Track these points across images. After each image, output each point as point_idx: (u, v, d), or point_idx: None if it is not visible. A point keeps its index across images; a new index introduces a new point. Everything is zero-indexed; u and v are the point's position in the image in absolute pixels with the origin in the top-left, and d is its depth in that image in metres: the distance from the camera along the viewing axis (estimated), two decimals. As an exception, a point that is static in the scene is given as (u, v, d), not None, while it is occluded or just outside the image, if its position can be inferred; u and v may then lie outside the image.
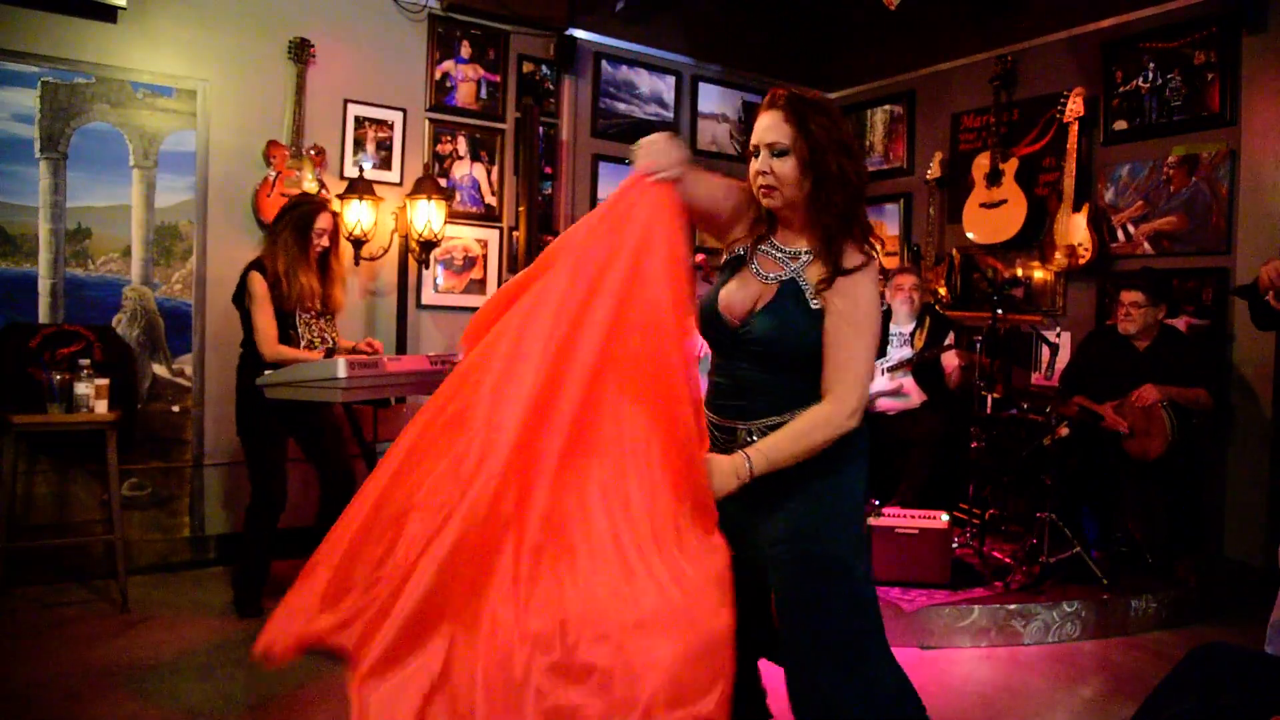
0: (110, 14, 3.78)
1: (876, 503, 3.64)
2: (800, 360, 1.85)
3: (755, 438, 1.86)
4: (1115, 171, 4.59)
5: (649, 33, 5.38)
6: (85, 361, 3.44)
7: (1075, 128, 4.53)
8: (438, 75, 4.70)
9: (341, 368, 2.87)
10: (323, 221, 3.46)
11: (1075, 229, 4.56)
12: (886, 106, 5.85)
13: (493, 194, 4.92)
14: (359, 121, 4.47)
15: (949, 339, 4.48)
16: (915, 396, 4.44)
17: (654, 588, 1.60)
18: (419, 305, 4.67)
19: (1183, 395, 3.76)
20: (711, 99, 5.74)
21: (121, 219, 3.90)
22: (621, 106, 5.38)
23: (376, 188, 4.33)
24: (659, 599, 1.58)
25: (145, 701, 2.66)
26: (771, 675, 2.25)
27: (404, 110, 4.59)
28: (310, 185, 4.18)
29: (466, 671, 1.52)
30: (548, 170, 5.09)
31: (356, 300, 4.49)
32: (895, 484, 4.24)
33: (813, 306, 1.85)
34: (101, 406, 3.40)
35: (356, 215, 4.22)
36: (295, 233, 3.40)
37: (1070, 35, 4.78)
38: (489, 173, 4.90)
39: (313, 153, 4.25)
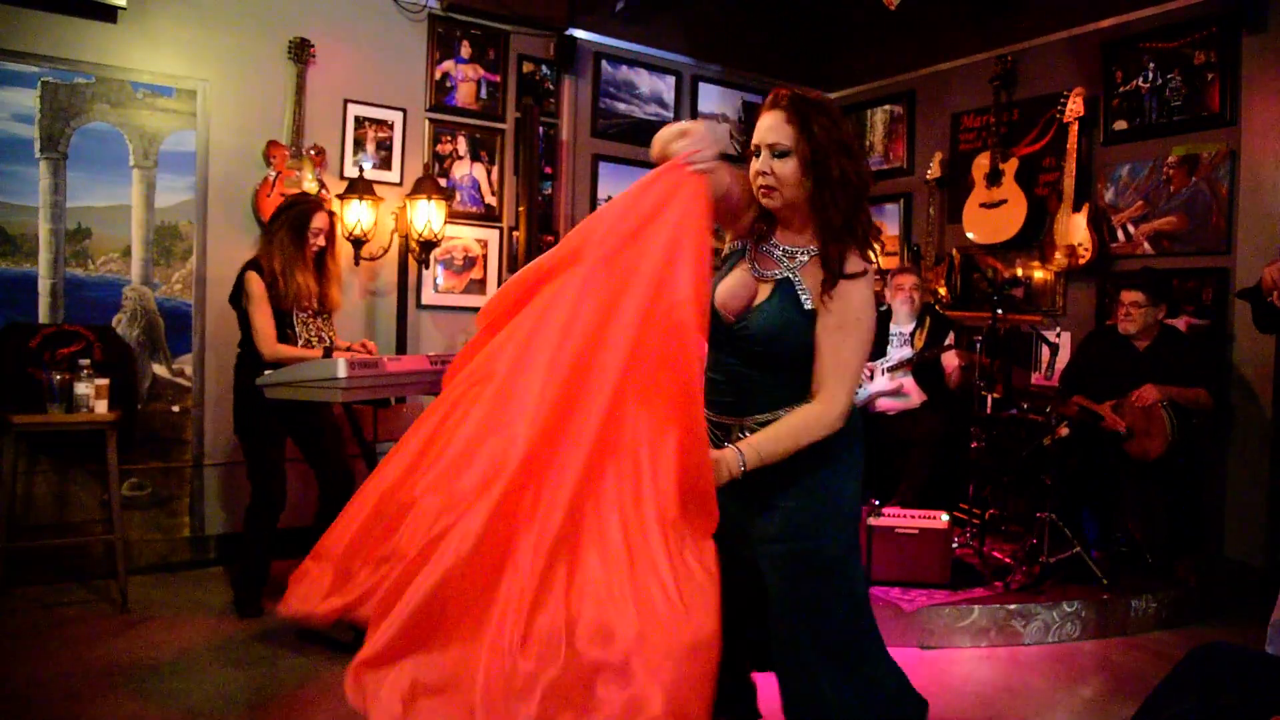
0: (110, 14, 3.78)
1: (876, 503, 3.64)
2: (792, 359, 1.86)
3: (747, 433, 1.86)
4: (1115, 171, 4.59)
5: (649, 33, 5.38)
6: (85, 361, 3.44)
7: (1075, 128, 4.53)
8: (438, 75, 4.70)
9: (341, 368, 2.87)
10: (319, 221, 3.46)
11: (1075, 229, 4.56)
12: (886, 106, 5.85)
13: (493, 194, 4.92)
14: (359, 121, 4.47)
15: (949, 339, 4.48)
16: (915, 396, 4.44)
17: (660, 592, 1.60)
18: (419, 305, 4.67)
19: (1183, 395, 3.76)
20: (711, 99, 5.74)
21: (121, 219, 3.90)
22: (621, 106, 5.39)
23: (376, 188, 4.33)
24: (665, 602, 1.59)
25: (145, 701, 2.66)
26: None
27: (404, 110, 4.59)
28: (310, 185, 4.18)
29: (469, 671, 1.52)
30: (548, 170, 5.09)
31: (356, 300, 4.49)
32: (895, 484, 4.24)
33: (806, 307, 1.85)
34: (101, 406, 3.40)
35: (356, 215, 4.22)
36: (291, 232, 3.40)
37: (1070, 35, 4.78)
38: (489, 173, 4.90)
39: (313, 153, 4.25)
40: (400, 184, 4.56)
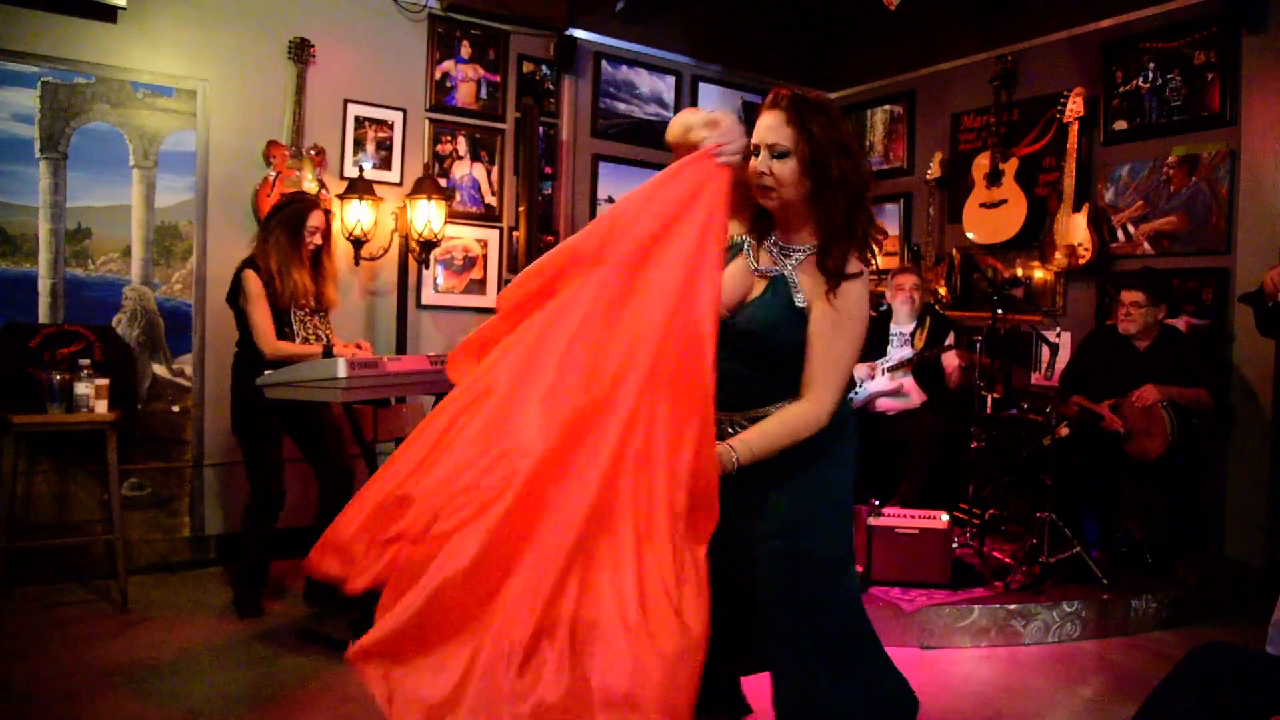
0: (110, 14, 3.78)
1: (876, 503, 3.64)
2: (783, 356, 1.86)
3: (738, 429, 1.86)
4: (1115, 171, 4.59)
5: (649, 33, 5.38)
6: (85, 361, 3.44)
7: (1075, 128, 4.53)
8: (438, 75, 4.70)
9: (341, 368, 2.87)
10: (315, 219, 3.46)
11: (1075, 229, 4.56)
12: (886, 106, 5.85)
13: (493, 194, 4.93)
14: (359, 121, 4.47)
15: (949, 339, 4.49)
16: (915, 396, 4.44)
17: (662, 594, 1.60)
18: (419, 305, 4.67)
19: (1183, 395, 3.76)
20: (711, 99, 5.74)
21: (121, 219, 3.90)
22: (621, 106, 5.39)
23: (376, 188, 4.33)
24: (665, 604, 1.59)
25: (145, 701, 2.66)
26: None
27: (404, 110, 4.59)
28: (310, 185, 4.18)
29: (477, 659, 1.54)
30: (548, 170, 5.09)
31: (356, 300, 4.49)
32: (895, 484, 4.24)
33: (798, 304, 1.86)
34: (101, 406, 3.40)
35: (356, 215, 4.22)
36: (287, 231, 3.40)
37: (1070, 35, 4.78)
38: (489, 173, 4.90)
39: (313, 153, 4.25)
40: (400, 184, 4.57)
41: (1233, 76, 4.13)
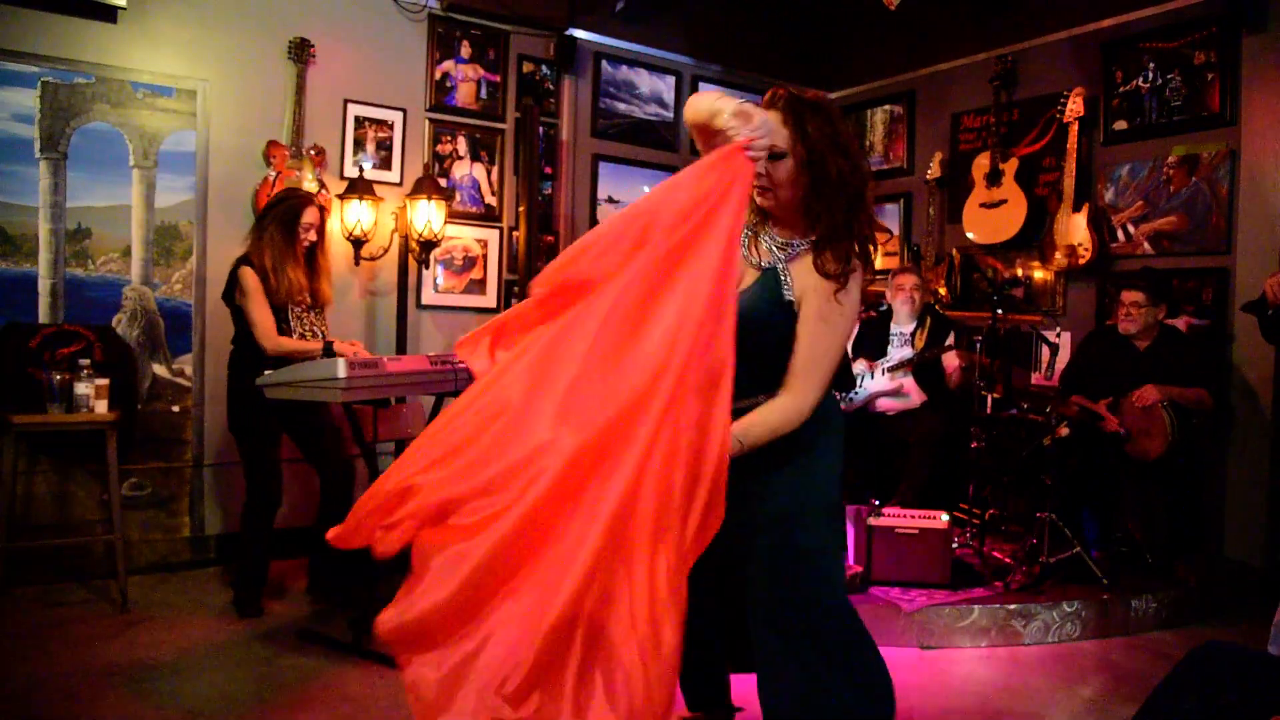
0: (110, 14, 3.78)
1: (876, 503, 3.64)
2: (765, 349, 1.86)
3: None
4: (1115, 171, 4.59)
5: (649, 33, 5.38)
6: (85, 361, 3.44)
7: (1075, 128, 4.53)
8: (438, 75, 4.70)
9: (341, 368, 2.87)
10: (309, 216, 3.46)
11: (1075, 229, 4.56)
12: (886, 106, 5.85)
13: (493, 194, 4.92)
14: (359, 121, 4.47)
15: (949, 339, 4.48)
16: (915, 396, 4.44)
17: (669, 595, 1.61)
18: (419, 305, 4.67)
19: (1183, 395, 3.76)
20: (711, 99, 5.74)
21: (121, 219, 3.90)
22: (621, 106, 5.39)
23: (376, 188, 4.33)
24: (662, 618, 1.60)
25: (145, 701, 2.65)
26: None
27: (404, 110, 4.59)
28: (310, 185, 4.18)
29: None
30: (548, 170, 5.09)
31: (356, 300, 4.49)
32: (895, 484, 4.24)
33: (786, 298, 1.86)
34: (101, 406, 3.40)
35: (356, 215, 4.22)
36: (281, 227, 3.39)
37: (1070, 35, 4.78)
38: (489, 173, 4.90)
39: (313, 153, 4.25)
40: (400, 184, 4.57)
41: (1233, 76, 4.13)
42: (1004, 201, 4.84)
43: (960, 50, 5.34)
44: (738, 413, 1.85)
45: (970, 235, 5.04)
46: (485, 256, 4.88)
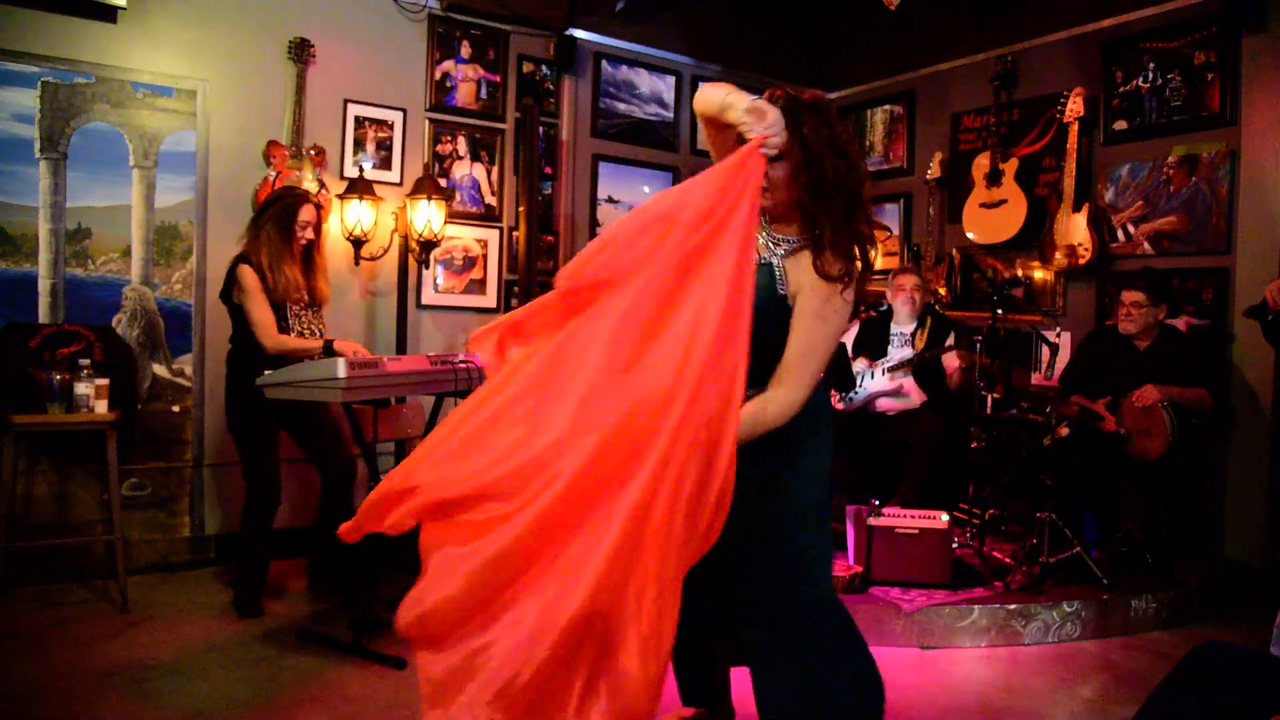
0: (110, 14, 3.78)
1: (876, 503, 3.64)
2: (757, 344, 1.86)
3: None
4: (1115, 171, 4.59)
5: (649, 33, 5.38)
6: (85, 361, 3.44)
7: (1075, 128, 4.53)
8: (438, 75, 4.70)
9: (341, 368, 2.87)
10: (306, 214, 3.45)
11: (1075, 229, 4.56)
12: (886, 106, 5.85)
13: (493, 194, 4.92)
14: (359, 121, 4.47)
15: (950, 340, 4.48)
16: (915, 397, 4.43)
17: (673, 595, 1.63)
18: (419, 305, 4.67)
19: (1183, 395, 3.76)
20: (711, 99, 5.74)
21: (121, 219, 3.90)
22: (621, 106, 5.39)
23: (376, 188, 4.33)
24: (673, 607, 1.62)
25: (145, 701, 2.66)
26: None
27: (404, 110, 4.59)
28: (310, 185, 4.18)
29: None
30: (548, 170, 5.09)
31: (356, 300, 4.49)
32: (895, 484, 4.24)
33: (779, 292, 1.87)
34: (101, 406, 3.40)
35: (356, 215, 4.22)
36: (278, 226, 3.39)
37: (1070, 35, 4.78)
38: (489, 173, 4.90)
39: (313, 153, 4.25)
40: (400, 184, 4.57)
41: (1233, 76, 4.13)
42: (1004, 201, 4.84)
43: (960, 50, 5.34)
44: None
45: (970, 235, 5.04)
46: (485, 256, 4.88)
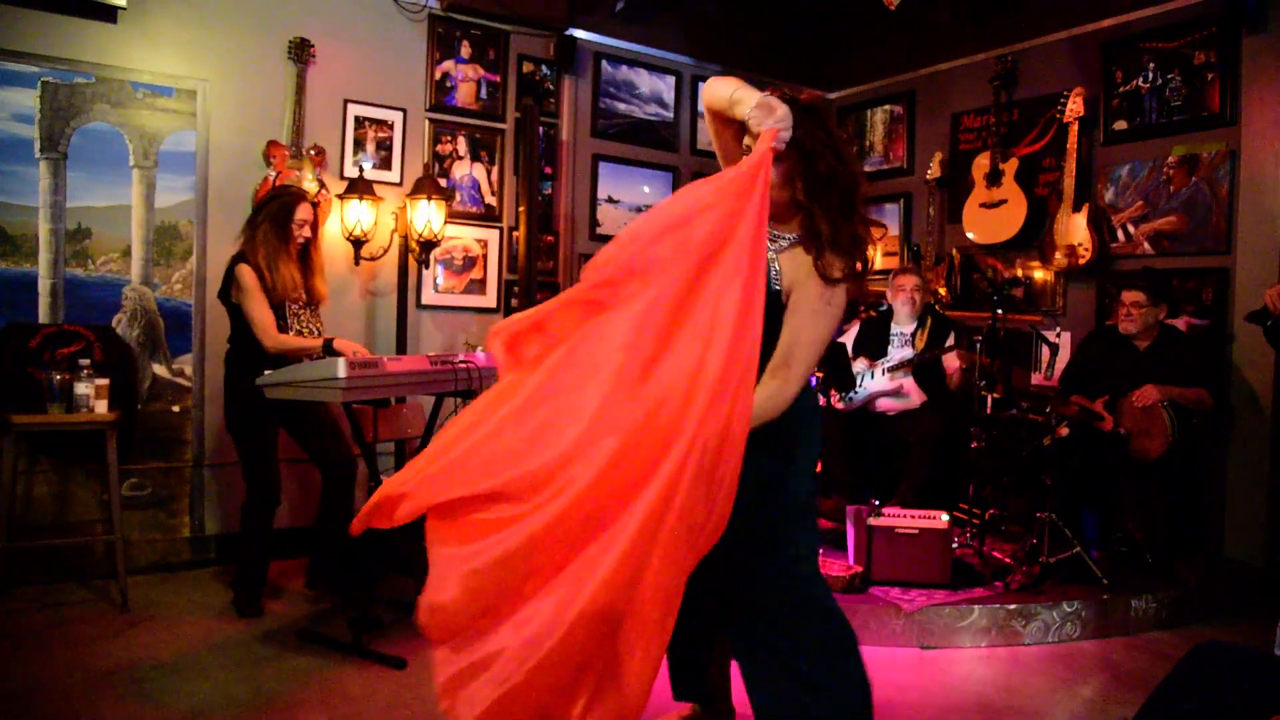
0: (110, 14, 3.78)
1: (876, 503, 3.64)
2: None
3: None
4: (1115, 171, 4.59)
5: (649, 33, 5.38)
6: (85, 361, 3.44)
7: (1075, 128, 4.53)
8: (438, 75, 4.70)
9: (341, 368, 2.87)
10: (302, 212, 3.45)
11: (1075, 229, 4.56)
12: (886, 106, 5.85)
13: (493, 194, 4.92)
14: (359, 121, 4.47)
15: (950, 340, 4.48)
16: (915, 397, 4.43)
17: (676, 595, 1.65)
18: (419, 305, 4.67)
19: (1183, 395, 3.76)
20: (711, 99, 5.74)
21: (121, 219, 3.90)
22: (621, 106, 5.38)
23: (376, 188, 4.33)
24: (676, 607, 1.65)
25: (145, 701, 2.66)
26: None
27: (404, 110, 4.59)
28: (310, 185, 4.18)
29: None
30: (548, 170, 5.09)
31: (356, 300, 4.49)
32: (895, 484, 4.24)
33: (774, 288, 1.89)
34: (101, 406, 3.40)
35: (356, 215, 4.22)
36: (274, 225, 3.38)
37: (1070, 35, 4.78)
38: (489, 173, 4.90)
39: (313, 153, 4.25)
40: (400, 184, 4.57)
41: (1233, 76, 4.13)
42: (1004, 201, 4.85)
43: (960, 50, 5.34)
44: None
45: (970, 235, 5.04)
46: (485, 256, 4.88)
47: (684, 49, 5.56)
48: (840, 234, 1.86)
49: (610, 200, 5.33)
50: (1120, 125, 4.57)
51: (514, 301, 4.89)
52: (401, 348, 4.49)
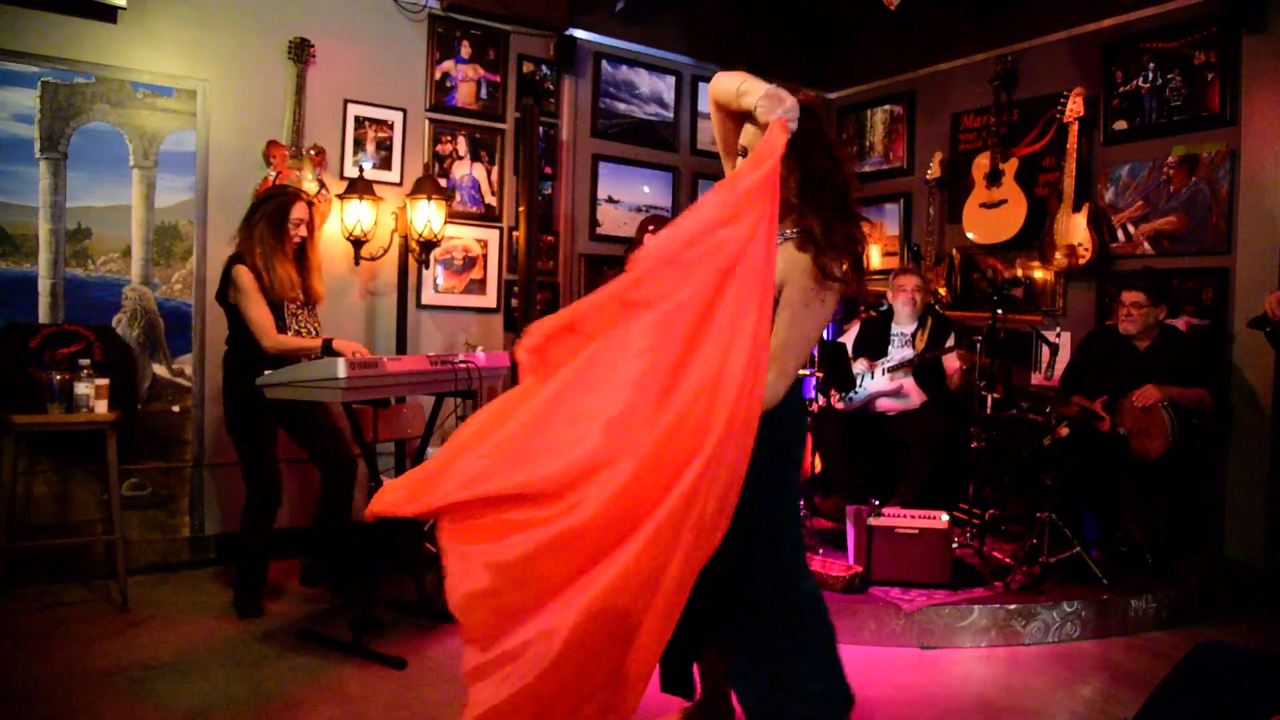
0: (110, 14, 3.78)
1: (876, 503, 3.64)
2: None
3: None
4: (1115, 171, 4.59)
5: (649, 33, 5.38)
6: (85, 361, 3.44)
7: (1075, 128, 4.53)
8: (438, 75, 4.70)
9: (341, 368, 2.87)
10: (298, 212, 3.44)
11: (1075, 229, 4.56)
12: (886, 106, 5.85)
13: (493, 194, 4.92)
14: (359, 121, 4.47)
15: (950, 341, 4.48)
16: (915, 397, 4.44)
17: (685, 594, 1.66)
18: (419, 305, 4.67)
19: (1183, 395, 3.76)
20: (711, 99, 5.73)
21: (121, 219, 3.90)
22: (621, 106, 5.38)
23: (376, 188, 4.33)
24: (681, 606, 1.66)
25: (145, 701, 2.66)
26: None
27: (404, 110, 4.59)
28: (310, 185, 4.18)
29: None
30: (548, 170, 5.09)
31: (356, 300, 4.49)
32: (895, 484, 4.24)
33: None
34: (101, 406, 3.40)
35: (356, 215, 4.22)
36: (271, 225, 3.38)
37: (1070, 35, 4.78)
38: (489, 173, 4.90)
39: (313, 153, 4.25)
40: (400, 184, 4.56)
41: (1233, 76, 4.13)
42: (1004, 201, 4.84)
43: (960, 50, 5.34)
44: None
45: (970, 235, 5.04)
46: (485, 256, 4.88)
47: (684, 49, 5.56)
48: (834, 234, 1.89)
49: (610, 200, 5.33)
50: (1120, 125, 4.57)
51: (514, 302, 4.89)
52: (401, 348, 4.49)
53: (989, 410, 4.16)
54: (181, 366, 4.04)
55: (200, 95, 4.04)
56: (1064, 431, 3.77)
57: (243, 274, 3.31)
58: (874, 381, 4.47)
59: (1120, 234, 4.57)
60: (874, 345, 4.58)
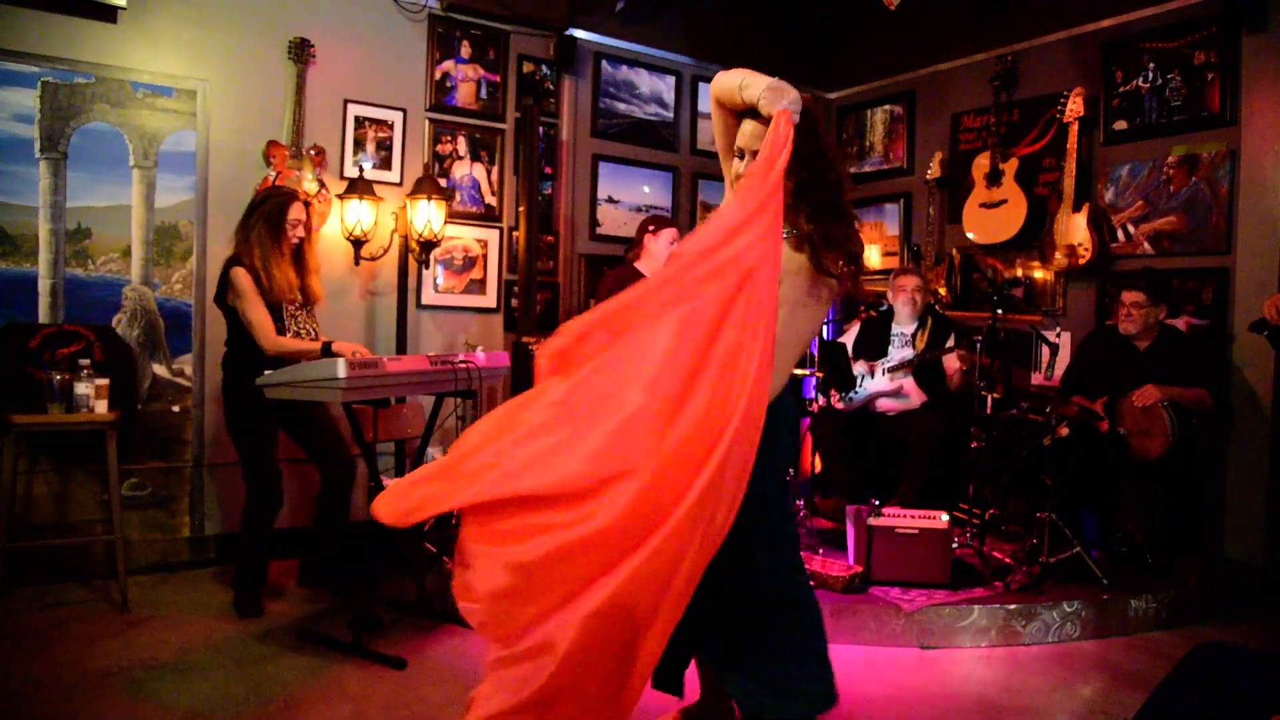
0: (110, 14, 3.78)
1: (876, 503, 3.64)
2: None
3: None
4: (1115, 171, 4.59)
5: (649, 33, 5.38)
6: (85, 361, 3.44)
7: (1075, 128, 4.53)
8: (438, 75, 4.70)
9: (341, 368, 2.87)
10: (295, 212, 3.44)
11: (1075, 229, 4.56)
12: (886, 106, 5.85)
13: (493, 194, 4.92)
14: (359, 121, 4.47)
15: (950, 341, 4.48)
16: (915, 397, 4.43)
17: (690, 593, 1.67)
18: (419, 305, 4.67)
19: (1183, 396, 3.76)
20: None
21: (121, 219, 3.90)
22: (621, 106, 5.38)
23: (376, 188, 4.33)
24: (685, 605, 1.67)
25: (145, 701, 2.66)
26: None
27: (404, 110, 4.59)
28: (310, 185, 4.18)
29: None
30: (548, 170, 5.09)
31: (356, 300, 4.49)
32: (895, 484, 4.24)
33: None
34: (101, 406, 3.39)
35: (356, 215, 4.22)
36: (268, 226, 3.37)
37: (1070, 35, 4.78)
38: (489, 173, 4.90)
39: (313, 153, 4.25)
40: (400, 184, 4.56)
41: (1233, 76, 4.13)
42: (1004, 201, 4.85)
43: (960, 50, 5.34)
44: None
45: (970, 235, 5.04)
46: (485, 256, 4.88)
47: (684, 49, 5.56)
48: (830, 233, 1.89)
49: (610, 200, 5.33)
50: (1120, 125, 4.57)
51: (514, 302, 4.89)
52: (401, 348, 4.49)
53: (989, 410, 4.16)
54: (181, 366, 4.04)
55: (200, 95, 4.04)
56: (1064, 431, 3.77)
57: (241, 276, 3.31)
58: (874, 382, 4.47)
59: (1120, 234, 4.57)
60: (874, 345, 4.58)
